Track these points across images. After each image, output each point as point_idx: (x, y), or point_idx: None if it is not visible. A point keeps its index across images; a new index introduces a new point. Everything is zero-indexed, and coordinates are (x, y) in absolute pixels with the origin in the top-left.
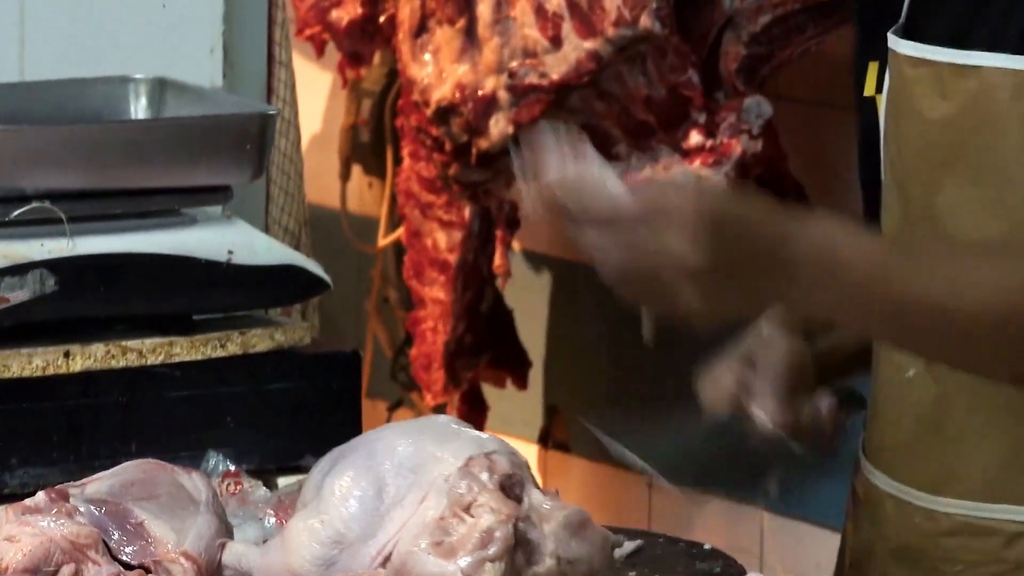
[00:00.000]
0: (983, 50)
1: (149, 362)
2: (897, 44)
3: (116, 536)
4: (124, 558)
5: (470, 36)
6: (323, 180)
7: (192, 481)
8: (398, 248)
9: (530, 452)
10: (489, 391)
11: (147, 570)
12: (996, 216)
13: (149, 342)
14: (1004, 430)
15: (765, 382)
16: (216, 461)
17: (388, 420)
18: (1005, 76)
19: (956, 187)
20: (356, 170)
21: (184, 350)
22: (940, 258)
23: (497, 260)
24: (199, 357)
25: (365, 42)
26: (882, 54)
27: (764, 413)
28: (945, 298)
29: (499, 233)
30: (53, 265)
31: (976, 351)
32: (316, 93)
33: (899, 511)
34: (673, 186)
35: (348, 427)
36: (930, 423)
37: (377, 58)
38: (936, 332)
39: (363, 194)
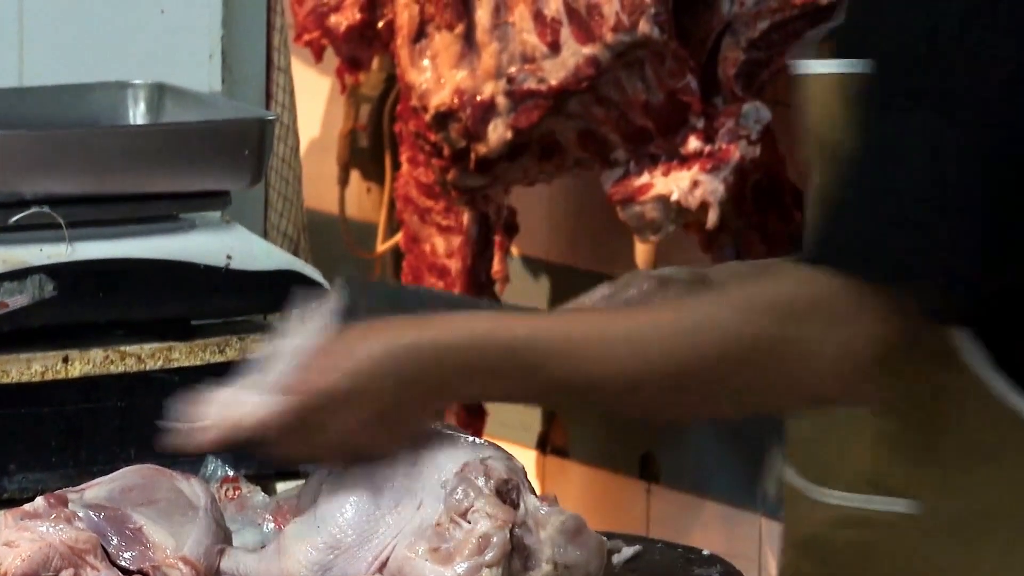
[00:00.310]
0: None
1: (148, 367)
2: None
3: (115, 541)
4: (123, 563)
5: (469, 41)
6: (321, 185)
7: (191, 487)
8: (396, 253)
9: (529, 457)
10: None
11: (146, 575)
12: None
13: (148, 347)
14: (876, 423)
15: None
16: (215, 466)
17: None
18: (817, 81)
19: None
20: (355, 175)
21: (183, 355)
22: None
23: (495, 265)
24: (198, 362)
25: (363, 47)
26: None
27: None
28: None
29: (497, 238)
30: (52, 270)
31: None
32: (314, 98)
33: (799, 503)
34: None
35: None
36: (821, 418)
37: (375, 63)
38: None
39: (362, 199)
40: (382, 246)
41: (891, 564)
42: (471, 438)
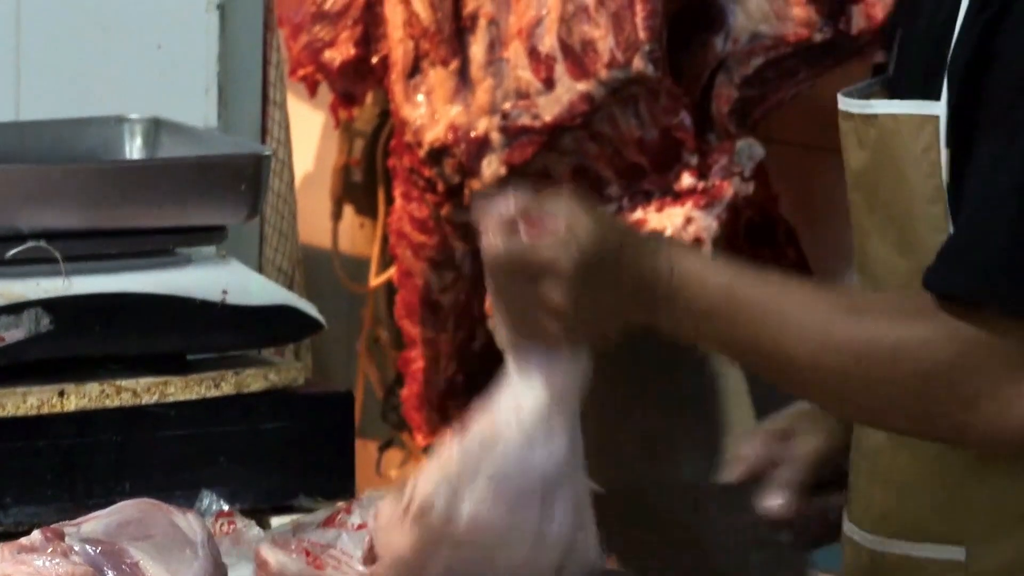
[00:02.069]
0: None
1: (143, 401)
2: (839, 100)
3: None
4: None
5: (463, 77)
6: (315, 220)
7: (187, 521)
8: (389, 288)
9: None
10: None
11: None
12: (905, 257)
13: (143, 381)
14: (932, 473)
15: (790, 469)
16: (210, 500)
17: (379, 460)
18: (897, 122)
19: (876, 234)
20: (348, 210)
21: (178, 390)
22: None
23: (489, 300)
24: (193, 397)
25: (358, 82)
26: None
27: (778, 498)
28: (780, 337)
29: None
30: (48, 304)
31: (821, 394)
32: (308, 133)
33: (854, 552)
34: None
35: (341, 467)
36: (869, 463)
37: (369, 98)
38: (776, 368)
39: (355, 234)
40: (375, 280)
41: None
42: None
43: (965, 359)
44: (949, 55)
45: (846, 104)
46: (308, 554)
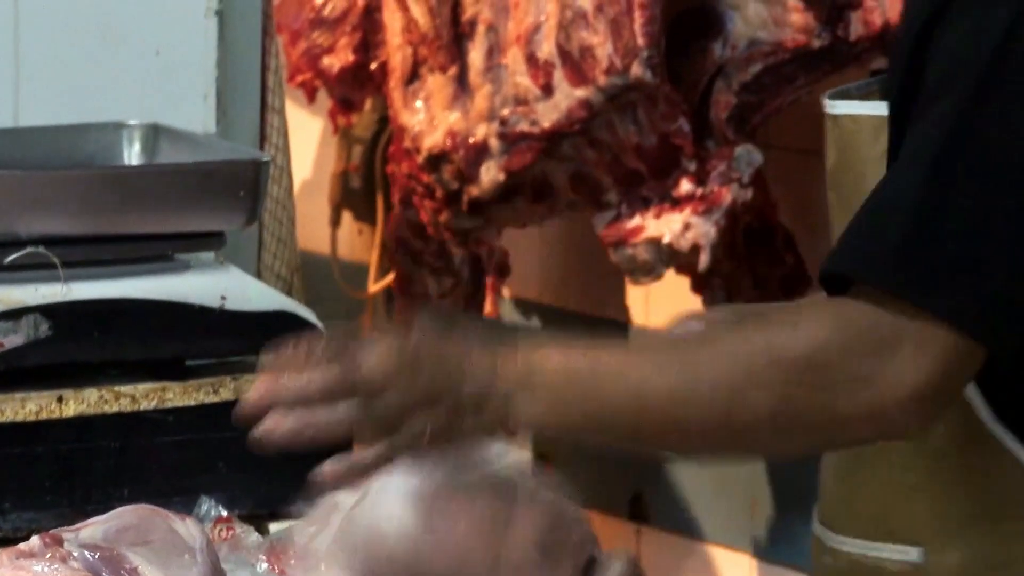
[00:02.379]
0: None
1: (142, 407)
2: (823, 101)
3: None
4: None
5: (462, 83)
6: (313, 226)
7: (186, 527)
8: (388, 294)
9: None
10: None
11: None
12: None
13: (142, 387)
14: (889, 473)
15: None
16: (208, 506)
17: None
18: (858, 123)
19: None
20: (347, 216)
21: (177, 395)
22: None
23: (487, 307)
24: (192, 402)
25: (356, 89)
26: None
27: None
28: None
29: (489, 280)
30: (47, 310)
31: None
32: (307, 139)
33: (819, 551)
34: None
35: None
36: (832, 471)
37: (368, 104)
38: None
39: (353, 240)
40: (374, 287)
41: None
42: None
43: (843, 335)
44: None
45: (827, 106)
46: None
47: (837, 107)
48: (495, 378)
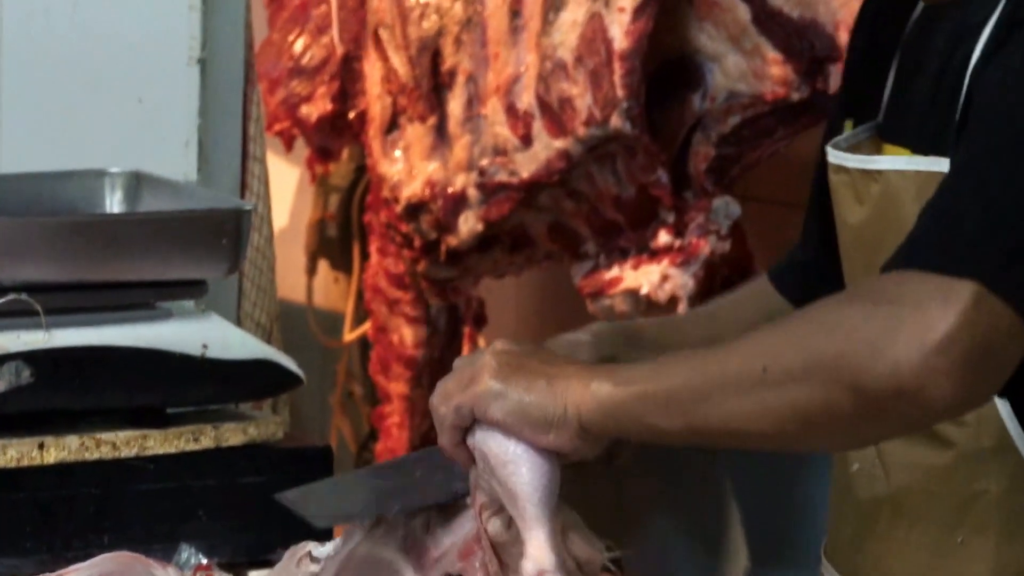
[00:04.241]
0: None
1: (123, 455)
2: (828, 153)
3: None
4: None
5: (441, 133)
6: (289, 274)
7: (166, 575)
8: (363, 343)
9: None
10: None
11: None
12: None
13: (123, 435)
14: (924, 536)
15: None
16: (188, 554)
17: None
18: (904, 178)
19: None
20: (323, 265)
21: (158, 443)
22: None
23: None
24: (172, 450)
25: (334, 137)
26: (855, 112)
27: None
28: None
29: (466, 330)
30: (29, 357)
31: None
32: (284, 187)
33: None
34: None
35: None
36: (866, 523)
37: (345, 154)
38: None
39: (329, 289)
40: (349, 335)
41: None
42: None
43: (869, 296)
44: (958, 113)
45: (839, 158)
46: None
47: (879, 162)
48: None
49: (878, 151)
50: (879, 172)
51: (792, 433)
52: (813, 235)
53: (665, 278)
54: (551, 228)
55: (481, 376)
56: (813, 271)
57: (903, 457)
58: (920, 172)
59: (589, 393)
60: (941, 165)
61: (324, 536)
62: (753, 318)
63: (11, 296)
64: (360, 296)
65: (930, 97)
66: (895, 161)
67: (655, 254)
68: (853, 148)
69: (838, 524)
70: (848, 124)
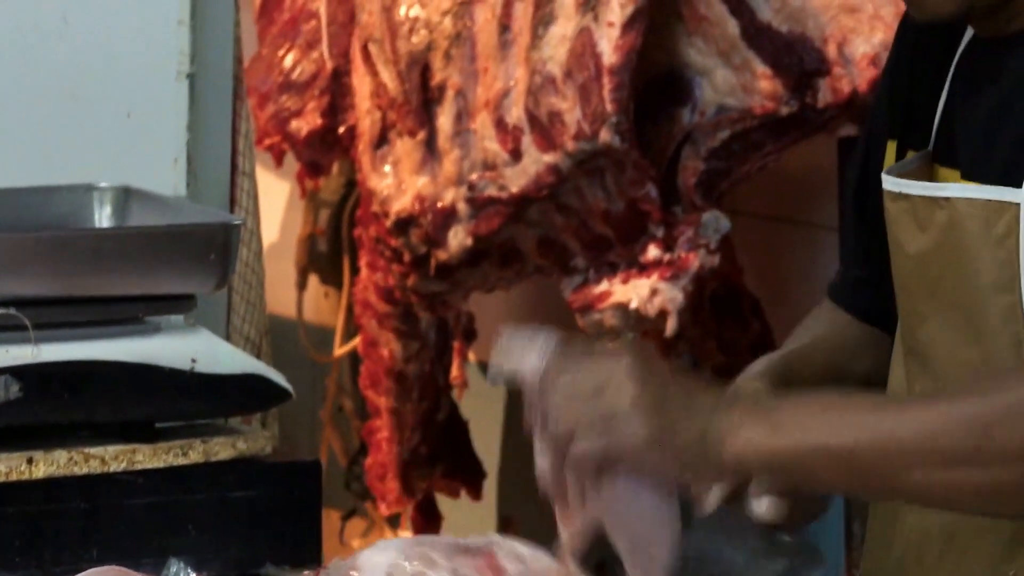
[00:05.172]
0: (974, 181)
1: (111, 469)
2: (885, 180)
3: None
4: None
5: (430, 148)
6: (279, 289)
7: None
8: (353, 358)
9: None
10: (443, 501)
11: None
12: (970, 346)
13: (112, 449)
14: (975, 567)
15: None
16: (177, 568)
17: (342, 529)
18: (974, 206)
19: (936, 319)
20: (313, 279)
21: (146, 457)
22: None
23: (454, 371)
24: (161, 465)
25: (324, 152)
26: (899, 135)
27: (763, 504)
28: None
29: (456, 344)
30: (17, 371)
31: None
32: (274, 202)
33: None
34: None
35: (308, 536)
36: (913, 551)
37: (335, 168)
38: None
39: (319, 303)
40: (339, 350)
41: None
42: None
43: None
44: None
45: (900, 185)
46: None
47: (948, 190)
48: (722, 404)
49: (932, 178)
50: (946, 200)
51: (987, 508)
52: (861, 253)
53: (654, 292)
54: (540, 242)
55: (630, 418)
56: (872, 287)
57: None
58: (991, 201)
59: (743, 441)
60: (1014, 195)
61: (315, 548)
62: (839, 342)
63: None
64: (350, 310)
65: (992, 126)
66: (965, 189)
67: (644, 268)
68: (907, 175)
69: (880, 550)
70: (892, 144)
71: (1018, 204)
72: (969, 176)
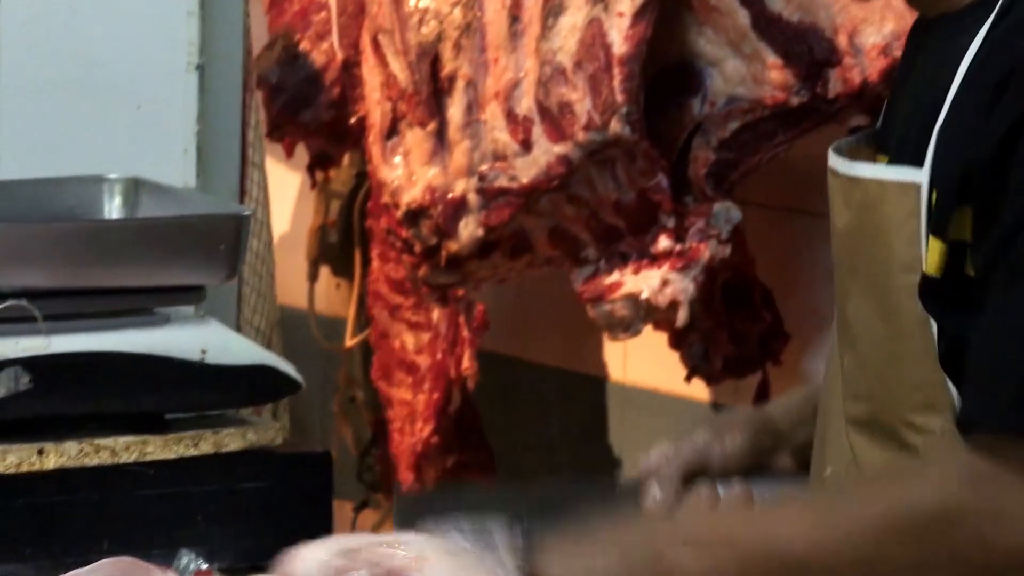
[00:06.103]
0: (896, 163)
1: (122, 460)
2: (829, 154)
3: None
4: None
5: (440, 139)
6: (291, 280)
7: None
8: (365, 349)
9: None
10: None
11: None
12: (883, 323)
13: (122, 440)
14: None
15: (670, 467)
16: (188, 559)
17: (354, 520)
18: (883, 188)
19: (856, 295)
20: (324, 271)
21: (157, 448)
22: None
23: (465, 362)
24: (172, 456)
25: (335, 144)
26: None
27: (655, 492)
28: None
29: (467, 335)
30: (28, 363)
31: None
32: (285, 194)
33: None
34: None
35: (319, 526)
36: None
37: (346, 159)
38: None
39: (331, 295)
40: (351, 341)
41: None
42: None
43: (971, 488)
44: (937, 127)
45: (834, 161)
46: None
47: (859, 169)
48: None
49: (872, 159)
50: (860, 179)
51: None
52: None
53: (665, 283)
54: (551, 233)
55: None
56: None
57: (877, 461)
58: (896, 182)
59: None
60: (915, 176)
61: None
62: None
63: (10, 302)
64: (362, 302)
65: (913, 104)
66: (874, 169)
67: (655, 259)
68: (853, 153)
69: None
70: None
71: (920, 184)
72: (895, 160)
